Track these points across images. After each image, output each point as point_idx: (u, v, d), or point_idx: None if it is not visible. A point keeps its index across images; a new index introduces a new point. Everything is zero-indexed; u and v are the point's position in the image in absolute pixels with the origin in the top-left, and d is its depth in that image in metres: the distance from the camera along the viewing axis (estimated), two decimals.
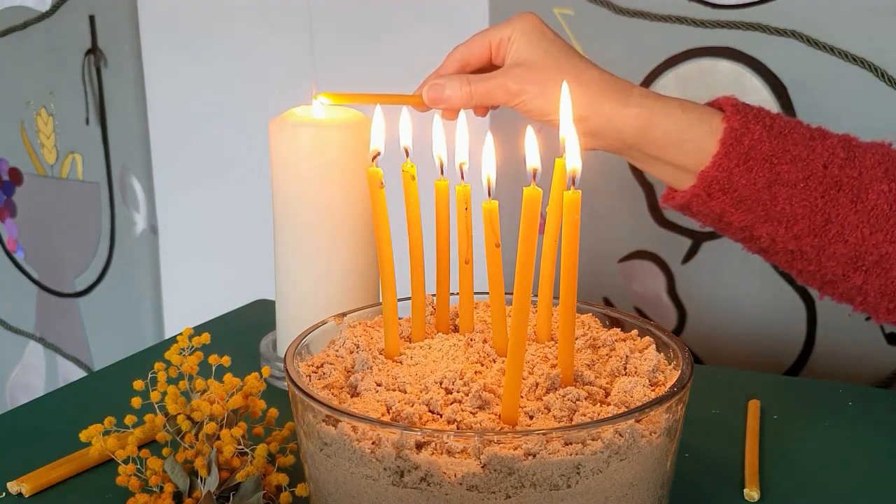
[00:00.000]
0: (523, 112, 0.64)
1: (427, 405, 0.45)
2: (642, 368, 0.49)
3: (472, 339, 0.51)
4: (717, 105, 0.63)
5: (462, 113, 0.58)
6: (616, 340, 0.52)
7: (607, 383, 0.48)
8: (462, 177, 0.51)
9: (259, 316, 0.87)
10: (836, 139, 0.61)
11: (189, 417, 0.53)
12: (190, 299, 1.29)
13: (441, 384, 0.47)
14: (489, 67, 0.67)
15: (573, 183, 0.46)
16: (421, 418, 0.45)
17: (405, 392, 0.47)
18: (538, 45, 0.64)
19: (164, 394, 0.54)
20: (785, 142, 0.60)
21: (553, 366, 0.48)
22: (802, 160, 0.60)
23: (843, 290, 0.63)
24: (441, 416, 0.45)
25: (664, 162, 0.63)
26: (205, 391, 0.54)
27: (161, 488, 0.52)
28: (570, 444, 0.42)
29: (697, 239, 0.91)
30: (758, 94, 0.85)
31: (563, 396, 0.46)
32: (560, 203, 0.48)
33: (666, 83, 0.89)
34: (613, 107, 0.62)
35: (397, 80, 1.03)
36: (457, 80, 0.65)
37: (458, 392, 0.46)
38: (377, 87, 1.03)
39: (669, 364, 0.51)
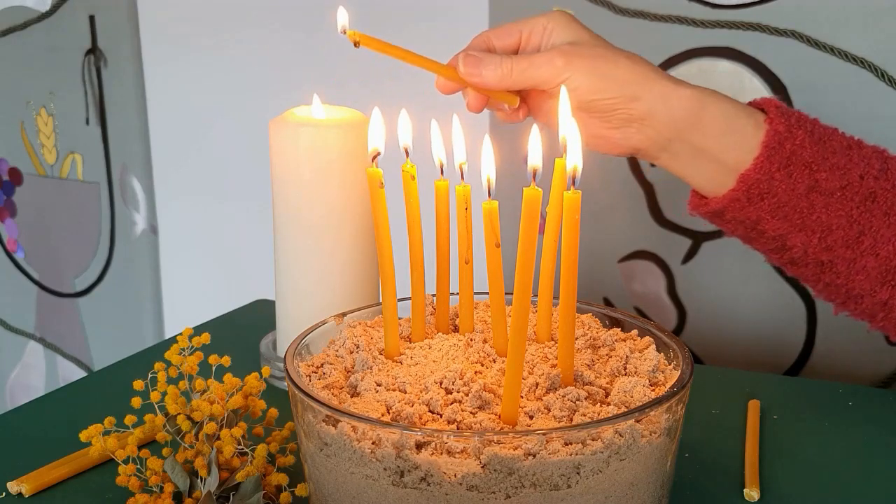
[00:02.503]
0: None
1: (427, 405, 0.45)
2: (642, 368, 0.49)
3: (472, 339, 0.51)
4: (757, 106, 0.62)
5: (456, 116, 0.56)
6: (616, 340, 0.52)
7: (607, 383, 0.48)
8: (462, 177, 0.51)
9: (259, 316, 0.87)
10: (870, 150, 0.60)
11: (189, 417, 0.53)
12: (190, 299, 1.29)
13: (441, 384, 0.47)
14: None
15: (573, 183, 0.46)
16: (421, 418, 0.45)
17: (405, 392, 0.47)
18: (580, 32, 0.62)
19: (164, 394, 0.54)
20: (825, 149, 0.59)
21: (553, 366, 0.48)
22: (840, 169, 0.59)
23: (866, 306, 0.62)
24: (441, 416, 0.45)
25: (707, 157, 0.60)
26: (205, 391, 0.54)
27: (161, 488, 0.52)
28: (570, 444, 0.42)
29: (697, 239, 0.91)
30: (758, 94, 0.85)
31: (563, 396, 0.46)
32: (560, 203, 0.48)
33: None
34: (666, 84, 0.60)
35: (397, 80, 1.03)
36: (496, 56, 0.61)
37: (458, 392, 0.46)
38: (377, 87, 1.04)
39: (669, 364, 0.51)
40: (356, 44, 0.59)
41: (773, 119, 0.59)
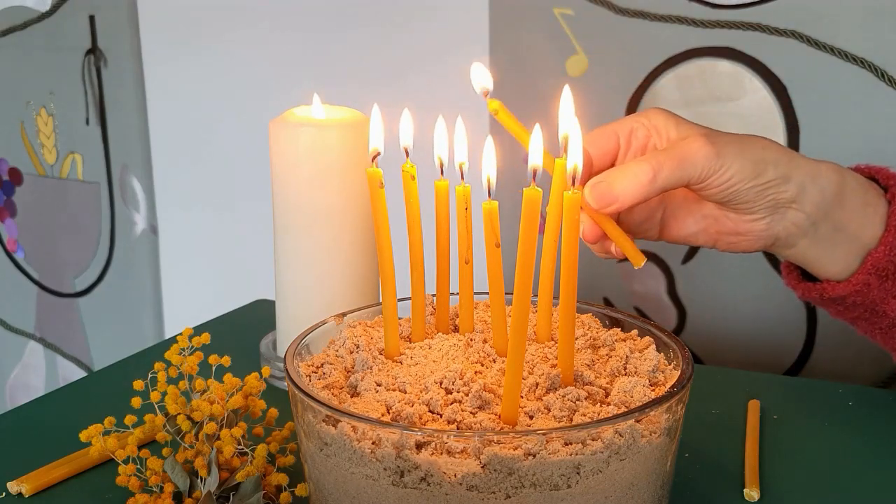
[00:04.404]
0: (718, 185, 0.54)
1: (427, 405, 0.45)
2: (642, 368, 0.49)
3: (472, 339, 0.51)
4: (865, 173, 0.59)
5: (460, 118, 0.53)
6: (616, 340, 0.52)
7: (607, 383, 0.48)
8: (462, 177, 0.51)
9: (259, 316, 0.87)
10: None
11: (189, 417, 0.53)
12: (190, 299, 1.29)
13: (441, 384, 0.47)
14: (609, 166, 0.58)
15: (573, 183, 0.46)
16: (421, 418, 0.45)
17: (405, 392, 0.47)
18: (691, 124, 0.56)
19: (164, 394, 0.54)
20: None
21: (553, 366, 0.48)
22: None
23: None
24: (441, 416, 0.45)
25: (846, 236, 0.57)
26: (205, 391, 0.54)
27: (161, 488, 0.52)
28: (570, 444, 0.42)
29: None
30: (758, 94, 0.85)
31: (563, 396, 0.46)
32: (560, 203, 0.48)
33: (666, 83, 0.89)
34: (810, 162, 0.56)
35: (397, 80, 1.03)
36: (626, 167, 0.53)
37: (458, 392, 0.46)
38: (377, 86, 1.04)
39: (669, 364, 0.51)
40: (494, 112, 0.52)
41: None
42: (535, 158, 0.46)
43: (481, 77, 0.52)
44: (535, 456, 0.42)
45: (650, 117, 0.57)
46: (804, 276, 0.62)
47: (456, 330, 0.54)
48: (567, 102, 0.50)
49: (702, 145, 0.53)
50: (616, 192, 0.52)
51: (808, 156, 0.58)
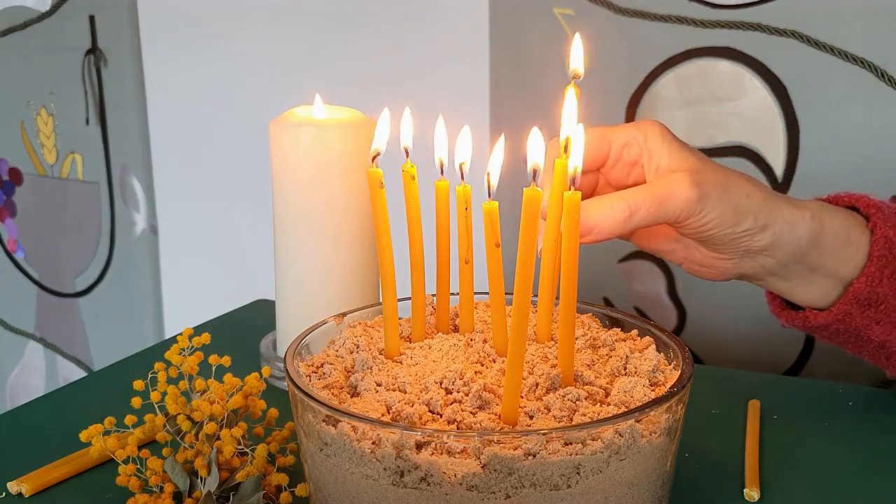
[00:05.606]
0: (695, 227, 0.54)
1: (427, 405, 0.45)
2: (642, 368, 0.49)
3: (472, 339, 0.51)
4: (846, 203, 0.59)
5: (467, 127, 0.53)
6: (616, 340, 0.52)
7: (607, 383, 0.48)
8: (462, 177, 0.51)
9: (259, 316, 0.87)
10: None
11: (189, 417, 0.53)
12: (190, 299, 1.29)
13: (441, 384, 0.47)
14: (595, 171, 0.59)
15: (573, 183, 0.46)
16: (421, 418, 0.45)
17: (405, 392, 0.47)
18: (683, 148, 0.55)
19: (164, 394, 0.54)
20: None
21: (553, 366, 0.48)
22: None
23: None
24: (441, 416, 0.45)
25: (821, 274, 0.57)
26: (205, 391, 0.54)
27: (161, 488, 0.52)
28: (570, 444, 0.42)
29: None
30: (758, 94, 0.85)
31: (563, 396, 0.46)
32: (560, 203, 0.48)
33: (666, 83, 0.89)
34: (790, 209, 0.56)
35: (397, 79, 1.03)
36: (604, 200, 0.52)
37: (458, 392, 0.46)
38: (377, 86, 1.04)
39: (669, 364, 0.51)
40: (574, 77, 0.50)
41: (878, 224, 0.57)
42: (535, 159, 0.46)
43: (577, 56, 0.51)
44: (535, 456, 0.42)
45: (647, 136, 0.56)
46: (787, 303, 0.63)
47: (456, 330, 0.54)
48: (570, 103, 0.50)
49: (685, 187, 0.52)
50: (591, 224, 0.53)
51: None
